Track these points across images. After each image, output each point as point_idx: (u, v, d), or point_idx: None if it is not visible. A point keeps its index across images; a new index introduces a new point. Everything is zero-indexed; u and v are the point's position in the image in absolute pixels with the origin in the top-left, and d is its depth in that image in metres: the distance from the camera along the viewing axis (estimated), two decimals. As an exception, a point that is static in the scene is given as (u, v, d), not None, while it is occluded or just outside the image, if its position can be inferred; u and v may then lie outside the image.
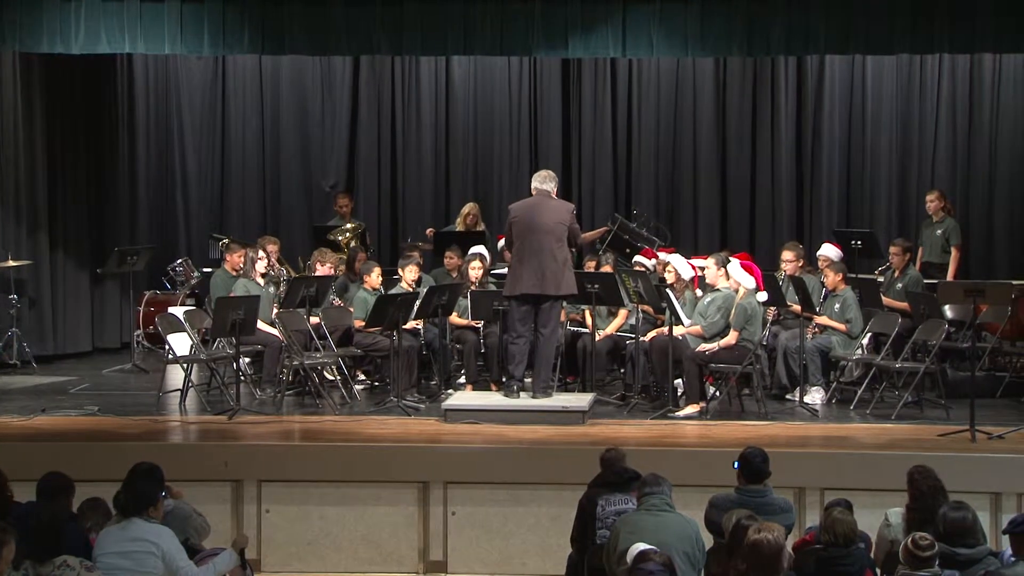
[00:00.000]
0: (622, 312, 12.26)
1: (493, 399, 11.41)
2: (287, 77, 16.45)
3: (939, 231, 13.55)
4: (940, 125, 15.68)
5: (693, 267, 12.03)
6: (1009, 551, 6.88)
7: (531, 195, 11.34)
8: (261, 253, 12.60)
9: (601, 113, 16.21)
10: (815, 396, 11.79)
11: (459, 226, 14.53)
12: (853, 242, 13.25)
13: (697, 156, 16.15)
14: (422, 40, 12.54)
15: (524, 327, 11.14)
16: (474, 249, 12.93)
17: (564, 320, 12.32)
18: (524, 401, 11.11)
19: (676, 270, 11.92)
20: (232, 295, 12.08)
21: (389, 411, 11.33)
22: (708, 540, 7.49)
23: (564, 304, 12.12)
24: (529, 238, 11.05)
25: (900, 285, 12.63)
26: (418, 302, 11.91)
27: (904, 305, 12.22)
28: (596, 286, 11.66)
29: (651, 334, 11.84)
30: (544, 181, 11.27)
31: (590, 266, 12.98)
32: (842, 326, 11.92)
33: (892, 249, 12.89)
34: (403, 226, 16.34)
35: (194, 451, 10.30)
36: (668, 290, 11.45)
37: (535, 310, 11.11)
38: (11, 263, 13.53)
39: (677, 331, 11.35)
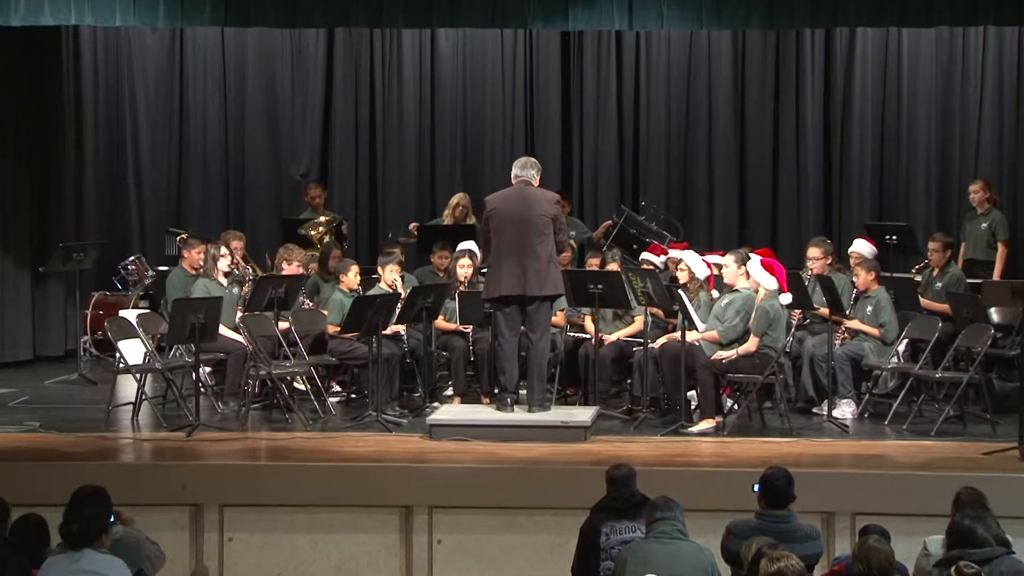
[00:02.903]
0: (638, 319, 12.21)
1: (484, 413, 11.39)
2: (253, 52, 16.40)
3: (984, 224, 13.55)
4: (985, 106, 15.66)
5: (708, 265, 12.03)
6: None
7: (511, 184, 11.34)
8: (224, 249, 12.57)
9: (605, 93, 16.19)
10: (845, 410, 11.79)
11: (447, 219, 14.52)
12: (887, 237, 13.26)
13: (712, 141, 16.14)
14: (404, 10, 12.53)
15: (512, 331, 11.14)
16: (463, 245, 12.92)
17: (564, 325, 12.33)
18: (519, 415, 11.10)
19: (689, 268, 11.91)
20: (191, 297, 12.06)
21: (367, 427, 11.31)
22: (725, 571, 7.48)
23: (564, 307, 12.14)
24: (508, 233, 11.04)
25: (940, 285, 12.63)
26: (400, 304, 11.89)
27: (945, 307, 12.22)
28: (600, 286, 11.65)
29: (661, 340, 11.84)
30: (524, 168, 11.26)
31: (593, 264, 12.97)
32: (875, 331, 11.92)
33: (931, 245, 12.89)
34: (383, 219, 16.32)
35: (148, 472, 10.29)
36: (680, 291, 11.45)
37: (521, 311, 11.11)
38: (-58, 261, 13.54)
39: (690, 337, 11.35)
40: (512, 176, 11.34)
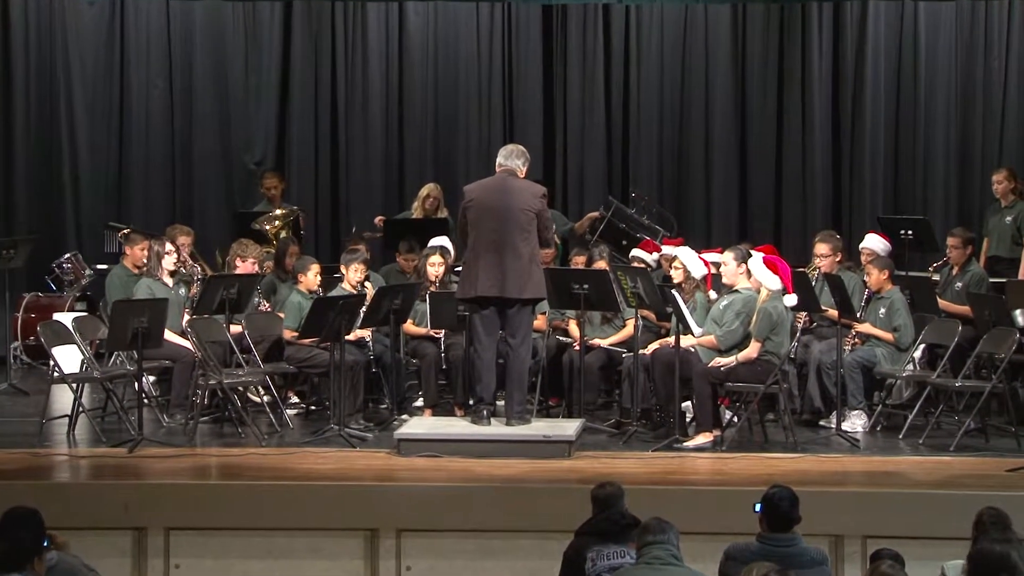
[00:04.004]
0: (628, 323, 12.23)
1: (457, 427, 11.41)
2: (202, 28, 16.40)
3: (1009, 218, 13.61)
4: (1010, 87, 15.76)
5: (705, 263, 12.06)
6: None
7: (495, 173, 11.36)
8: (169, 246, 12.57)
9: (591, 74, 16.23)
10: (856, 422, 11.84)
11: (416, 212, 14.54)
12: (902, 232, 13.30)
13: (710, 127, 16.19)
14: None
15: (489, 336, 11.16)
16: (434, 241, 12.93)
17: (546, 329, 12.35)
18: (496, 429, 11.11)
19: (684, 267, 11.95)
20: (133, 298, 12.05)
21: (329, 442, 11.31)
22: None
23: (546, 310, 12.16)
24: (487, 227, 11.05)
25: (960, 285, 12.69)
26: (365, 307, 11.90)
27: (965, 309, 12.27)
28: (586, 287, 11.67)
29: (653, 346, 11.87)
30: (510, 156, 11.27)
31: (579, 261, 12.99)
32: (889, 335, 11.97)
33: (950, 241, 12.95)
34: (346, 212, 16.33)
35: (86, 492, 10.27)
36: (674, 291, 11.47)
37: (500, 314, 11.13)
38: None
39: (685, 342, 11.38)
40: (496, 164, 11.34)
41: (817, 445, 11.41)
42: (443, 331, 12.37)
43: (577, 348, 12.00)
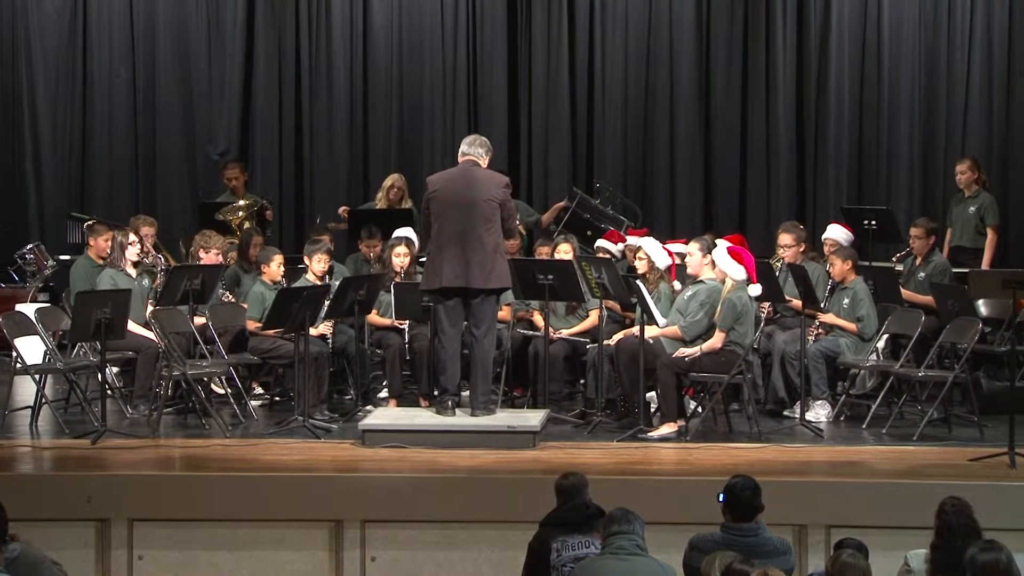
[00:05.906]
0: (593, 314, 12.25)
1: (422, 417, 11.42)
2: (164, 18, 16.36)
3: (972, 208, 13.66)
4: (973, 77, 15.80)
5: (670, 253, 12.07)
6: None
7: (458, 164, 11.36)
8: (133, 237, 12.54)
9: (556, 63, 16.22)
10: (819, 412, 11.87)
11: (380, 203, 14.53)
12: (866, 222, 13.33)
13: (674, 117, 16.20)
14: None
15: (453, 326, 11.16)
16: (399, 232, 12.93)
17: (510, 319, 12.36)
18: (461, 420, 11.12)
19: (648, 257, 11.95)
20: (97, 289, 12.02)
21: (293, 433, 11.32)
22: (688, 590, 7.55)
23: (510, 300, 12.17)
24: (450, 218, 11.05)
25: (923, 275, 12.73)
26: (329, 298, 11.90)
27: (928, 299, 12.32)
28: (550, 277, 11.68)
29: (617, 336, 11.88)
30: (472, 145, 11.27)
31: (544, 252, 13.00)
32: (852, 326, 12.00)
33: (914, 231, 12.98)
34: (310, 203, 16.30)
35: (48, 483, 10.25)
36: (639, 282, 11.49)
37: (464, 305, 11.14)
38: None
39: (649, 332, 11.39)
40: (459, 154, 11.33)
41: (781, 435, 11.43)
42: (407, 322, 12.38)
43: (543, 339, 12.01)
